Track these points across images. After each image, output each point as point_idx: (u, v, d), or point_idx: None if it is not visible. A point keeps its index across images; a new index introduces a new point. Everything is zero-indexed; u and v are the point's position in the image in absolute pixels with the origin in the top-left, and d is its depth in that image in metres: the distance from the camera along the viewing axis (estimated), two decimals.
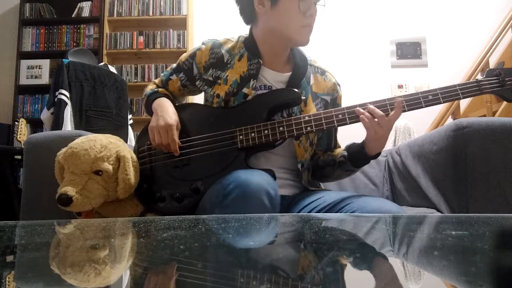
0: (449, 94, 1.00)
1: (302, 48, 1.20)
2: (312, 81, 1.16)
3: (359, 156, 1.07)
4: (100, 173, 1.02)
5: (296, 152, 1.10)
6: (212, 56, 1.14)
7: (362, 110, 1.00)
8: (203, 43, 1.17)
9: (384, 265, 0.37)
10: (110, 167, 1.03)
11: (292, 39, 1.10)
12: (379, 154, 1.06)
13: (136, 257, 0.41)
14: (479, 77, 3.13)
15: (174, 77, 1.21)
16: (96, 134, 1.12)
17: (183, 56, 1.20)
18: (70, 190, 0.97)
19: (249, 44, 1.14)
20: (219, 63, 1.13)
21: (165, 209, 1.06)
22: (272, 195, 0.88)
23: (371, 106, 1.00)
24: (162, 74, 1.26)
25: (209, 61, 1.14)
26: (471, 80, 1.04)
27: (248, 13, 1.13)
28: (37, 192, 1.25)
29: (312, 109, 1.12)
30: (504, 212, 1.09)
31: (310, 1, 1.06)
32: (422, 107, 1.00)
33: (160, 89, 1.22)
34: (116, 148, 1.06)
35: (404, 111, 1.00)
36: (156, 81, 1.26)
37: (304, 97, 1.11)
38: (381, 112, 0.98)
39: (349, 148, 1.11)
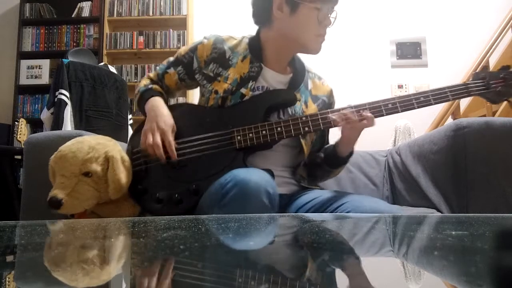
0: (439, 96, 1.05)
1: (300, 55, 1.22)
2: (310, 86, 1.19)
3: (333, 157, 1.12)
4: (90, 174, 1.01)
5: (304, 148, 1.11)
6: (214, 51, 1.13)
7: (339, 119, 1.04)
8: (205, 38, 1.15)
9: (382, 265, 0.37)
10: (99, 168, 1.02)
11: (306, 47, 1.11)
12: (350, 155, 1.12)
13: (135, 257, 0.41)
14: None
15: (171, 70, 1.19)
16: (85, 136, 1.12)
17: (183, 50, 1.18)
18: (59, 193, 0.97)
19: (254, 47, 1.13)
20: (221, 59, 1.12)
21: (163, 210, 1.03)
22: (271, 193, 0.88)
23: (347, 111, 1.03)
24: (157, 68, 1.23)
25: (211, 56, 1.13)
26: (460, 83, 1.10)
27: (263, 16, 1.12)
28: (37, 192, 1.25)
29: (314, 110, 1.15)
30: (504, 212, 1.09)
31: (326, 12, 1.07)
32: (414, 108, 1.04)
33: (154, 86, 1.20)
34: (104, 148, 1.05)
35: (398, 112, 1.04)
36: (151, 75, 1.23)
37: (301, 101, 1.13)
38: (354, 118, 1.02)
39: (325, 150, 1.16)
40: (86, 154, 1.02)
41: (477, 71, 1.13)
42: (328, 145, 1.16)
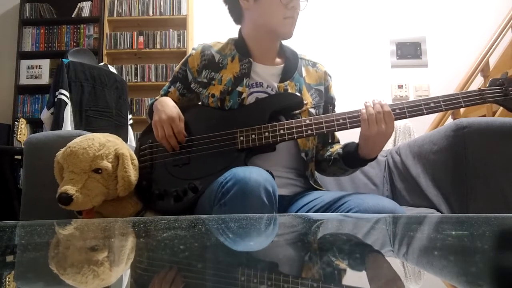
0: (451, 102, 1.01)
1: (293, 45, 1.24)
2: (304, 73, 1.20)
3: (352, 157, 1.07)
4: (100, 171, 1.02)
5: (298, 142, 1.10)
6: (203, 59, 1.17)
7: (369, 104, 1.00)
8: (193, 49, 1.21)
9: (384, 265, 0.37)
10: (109, 165, 1.03)
11: (276, 31, 1.13)
12: (373, 159, 1.06)
13: (136, 258, 0.41)
14: (479, 77, 3.11)
15: (172, 88, 1.25)
16: (94, 133, 1.13)
17: (177, 67, 1.25)
18: (70, 189, 0.97)
19: (239, 45, 1.18)
20: (211, 64, 1.17)
21: (162, 206, 1.06)
22: (271, 192, 0.88)
23: (382, 102, 1.00)
24: (161, 90, 1.29)
25: (201, 64, 1.17)
26: (473, 90, 1.04)
27: (235, 10, 1.18)
28: (37, 192, 1.25)
29: (308, 98, 1.16)
30: (504, 212, 1.09)
31: None
32: (423, 114, 1.01)
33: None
34: (114, 146, 1.07)
35: (406, 117, 1.01)
36: (157, 97, 1.30)
37: (296, 88, 1.14)
38: (387, 108, 0.98)
39: (345, 146, 1.12)
40: (97, 151, 1.03)
41: (494, 77, 1.06)
42: (351, 142, 1.11)
